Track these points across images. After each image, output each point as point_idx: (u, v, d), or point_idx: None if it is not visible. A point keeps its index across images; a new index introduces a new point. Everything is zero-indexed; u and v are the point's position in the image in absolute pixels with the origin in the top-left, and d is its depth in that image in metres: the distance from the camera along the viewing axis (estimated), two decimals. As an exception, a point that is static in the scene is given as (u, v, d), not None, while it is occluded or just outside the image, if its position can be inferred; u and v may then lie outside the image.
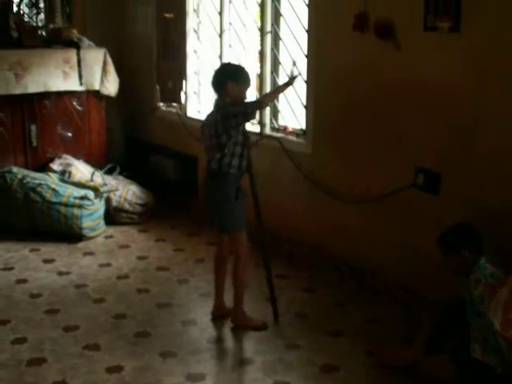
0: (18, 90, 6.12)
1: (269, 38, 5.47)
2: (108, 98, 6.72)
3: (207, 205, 4.25)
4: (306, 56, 5.08)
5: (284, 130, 5.44)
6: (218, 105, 4.13)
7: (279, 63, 5.49)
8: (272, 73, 5.51)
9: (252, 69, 5.89)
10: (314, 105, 5.07)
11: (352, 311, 4.52)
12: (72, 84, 6.40)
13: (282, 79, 5.47)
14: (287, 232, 5.40)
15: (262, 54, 5.54)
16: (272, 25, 5.44)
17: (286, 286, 4.90)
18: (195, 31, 6.35)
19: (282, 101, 5.52)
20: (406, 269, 4.45)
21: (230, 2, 5.90)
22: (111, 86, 6.62)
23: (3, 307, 4.54)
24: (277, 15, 5.44)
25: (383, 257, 4.61)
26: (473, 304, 3.48)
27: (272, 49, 5.48)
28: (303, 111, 5.25)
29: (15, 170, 6.05)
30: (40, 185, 5.85)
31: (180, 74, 6.49)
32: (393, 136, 4.47)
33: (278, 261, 5.29)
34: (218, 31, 6.03)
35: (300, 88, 5.26)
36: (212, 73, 4.23)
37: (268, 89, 5.54)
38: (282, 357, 3.93)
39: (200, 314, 4.48)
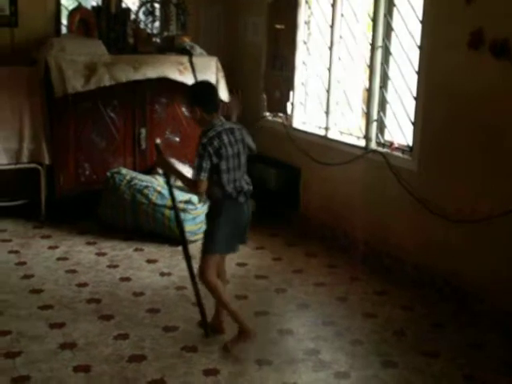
0: (137, 77, 6.32)
1: (379, 53, 5.44)
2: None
3: (241, 228, 4.18)
4: (417, 72, 5.03)
5: (390, 145, 5.40)
6: (224, 122, 4.09)
7: (388, 78, 5.45)
8: (381, 88, 5.48)
9: (360, 83, 5.90)
10: (422, 121, 5.02)
11: (451, 333, 4.43)
12: (187, 79, 6.49)
13: (390, 94, 5.44)
14: (388, 247, 5.35)
15: (371, 68, 5.52)
16: (383, 39, 5.42)
17: (385, 303, 4.86)
18: (305, 43, 6.40)
19: (389, 116, 5.48)
20: (511, 293, 4.33)
21: (342, 15, 5.91)
22: (223, 94, 6.74)
23: (108, 303, 4.70)
24: (388, 30, 5.42)
25: (488, 279, 4.50)
26: None
27: (382, 63, 5.45)
28: (410, 127, 5.19)
29: (124, 171, 6.26)
30: (147, 187, 6.02)
31: (287, 84, 6.55)
32: (503, 156, 4.37)
33: (378, 276, 5.29)
34: (328, 44, 6.05)
35: (408, 104, 5.22)
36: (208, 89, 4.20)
37: (376, 103, 5.52)
38: (378, 374, 3.90)
39: (297, 325, 4.51)
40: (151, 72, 6.36)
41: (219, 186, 3.99)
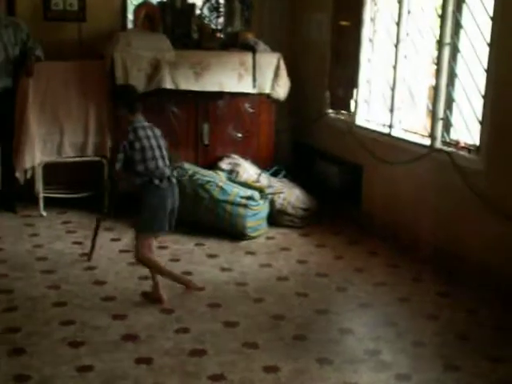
0: (196, 87, 6.42)
1: (447, 50, 5.33)
2: (278, 101, 6.84)
3: (167, 211, 4.55)
4: (486, 70, 4.92)
5: (456, 144, 5.29)
6: (143, 121, 4.59)
7: (455, 76, 5.35)
8: (447, 86, 5.37)
9: (426, 80, 5.80)
10: (490, 120, 4.90)
11: (517, 338, 4.33)
12: (245, 86, 6.59)
13: (457, 92, 5.33)
14: (452, 248, 5.25)
15: (438, 65, 5.42)
16: (451, 36, 5.31)
17: (447, 305, 4.77)
18: (370, 40, 6.32)
19: (456, 114, 5.38)
20: None
21: (409, 12, 5.82)
22: (281, 90, 6.75)
23: (169, 297, 4.72)
24: (457, 26, 5.30)
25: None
26: None
27: (449, 61, 5.35)
28: (477, 126, 5.08)
29: (186, 166, 6.30)
30: (208, 182, 6.05)
31: (351, 82, 6.49)
32: None
33: (441, 277, 5.20)
34: (394, 41, 5.96)
35: (476, 102, 5.10)
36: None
37: (442, 101, 5.41)
38: (440, 378, 3.82)
39: (357, 324, 4.46)
40: (209, 83, 6.46)
41: (137, 174, 4.46)
